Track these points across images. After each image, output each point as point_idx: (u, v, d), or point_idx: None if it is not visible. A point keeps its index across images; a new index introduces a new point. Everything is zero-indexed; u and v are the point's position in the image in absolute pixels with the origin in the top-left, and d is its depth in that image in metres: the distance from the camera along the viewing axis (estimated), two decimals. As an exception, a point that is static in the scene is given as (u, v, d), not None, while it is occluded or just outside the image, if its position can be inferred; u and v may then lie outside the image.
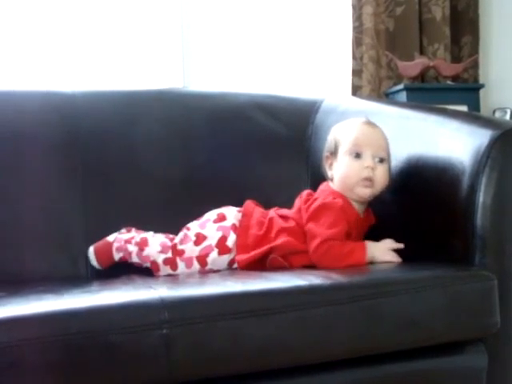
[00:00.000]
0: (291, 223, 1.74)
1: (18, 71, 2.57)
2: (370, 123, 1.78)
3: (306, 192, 1.82)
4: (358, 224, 1.75)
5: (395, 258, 1.67)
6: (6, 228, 1.84)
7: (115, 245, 1.83)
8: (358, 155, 1.72)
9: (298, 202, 1.80)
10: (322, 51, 2.92)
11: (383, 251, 1.68)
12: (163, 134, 2.06)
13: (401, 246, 1.69)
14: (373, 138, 1.74)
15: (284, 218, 1.77)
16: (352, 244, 1.67)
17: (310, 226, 1.70)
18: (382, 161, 1.73)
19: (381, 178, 1.72)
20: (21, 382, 1.19)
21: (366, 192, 1.72)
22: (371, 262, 1.66)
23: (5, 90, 2.06)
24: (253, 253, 1.73)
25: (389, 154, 1.76)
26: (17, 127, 1.92)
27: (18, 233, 1.85)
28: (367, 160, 1.71)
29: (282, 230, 1.74)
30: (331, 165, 1.79)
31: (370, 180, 1.71)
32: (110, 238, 1.85)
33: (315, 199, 1.74)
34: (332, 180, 1.78)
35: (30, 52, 2.59)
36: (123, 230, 1.86)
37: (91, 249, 1.84)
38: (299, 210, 1.76)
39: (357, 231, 1.74)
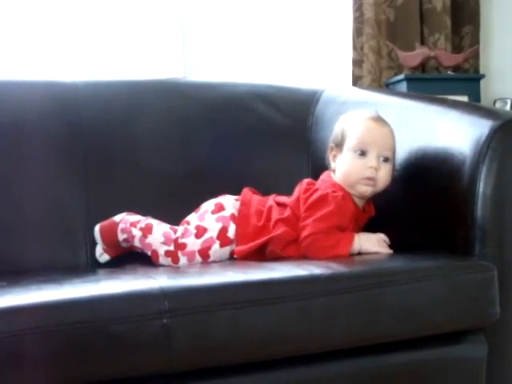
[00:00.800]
0: (288, 212, 1.74)
1: (20, 61, 2.57)
2: (378, 119, 1.75)
3: (306, 181, 1.81)
4: (357, 218, 1.74)
5: (385, 250, 1.68)
6: (6, 217, 1.84)
7: (121, 226, 1.83)
8: (362, 153, 1.71)
9: (297, 190, 1.79)
10: (323, 41, 2.92)
11: (374, 243, 1.68)
12: (163, 123, 2.06)
13: (387, 242, 1.70)
14: (379, 137, 1.72)
15: (281, 205, 1.77)
16: (338, 236, 1.67)
17: (305, 215, 1.70)
18: (386, 160, 1.72)
19: (383, 177, 1.71)
20: (21, 372, 1.20)
21: (366, 190, 1.72)
22: (359, 253, 1.67)
23: (6, 79, 2.05)
24: (251, 244, 1.72)
25: (394, 152, 1.74)
26: (18, 117, 1.92)
27: (18, 222, 1.85)
28: (371, 160, 1.70)
29: (279, 221, 1.73)
30: (335, 156, 1.78)
31: (372, 179, 1.70)
32: (117, 217, 1.85)
33: (315, 190, 1.74)
34: (334, 172, 1.78)
35: (31, 42, 2.58)
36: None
37: (97, 227, 1.85)
38: (298, 199, 1.75)
39: (355, 224, 1.74)
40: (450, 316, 1.50)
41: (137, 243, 1.81)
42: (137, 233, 1.81)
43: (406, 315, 1.44)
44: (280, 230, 1.71)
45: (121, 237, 1.83)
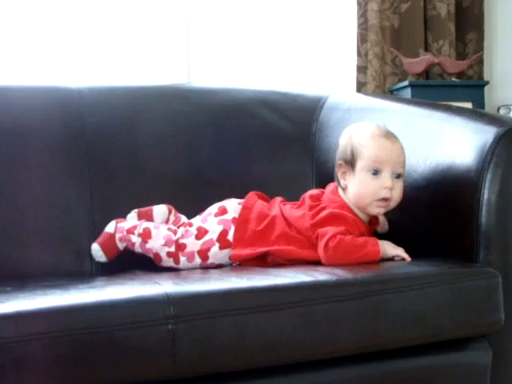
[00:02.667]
0: (293, 231, 1.72)
1: (24, 66, 2.57)
2: (389, 135, 1.71)
3: (310, 194, 1.78)
4: (363, 229, 1.72)
5: (405, 254, 1.65)
6: (11, 222, 1.84)
7: (118, 236, 1.82)
8: (376, 172, 1.68)
9: (301, 203, 1.77)
10: (327, 47, 2.92)
11: (393, 246, 1.66)
12: (168, 129, 2.06)
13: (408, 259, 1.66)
14: (394, 155, 1.68)
15: (287, 219, 1.75)
16: (364, 238, 1.66)
17: (319, 230, 1.67)
18: (399, 176, 1.69)
19: (397, 195, 1.69)
20: (27, 377, 1.20)
21: (379, 212, 1.70)
22: (382, 258, 1.65)
23: (10, 85, 2.06)
24: (248, 252, 1.72)
25: (405, 167, 1.71)
26: (22, 122, 1.92)
27: (22, 227, 1.85)
28: (387, 180, 1.67)
29: (282, 235, 1.72)
30: (344, 173, 1.73)
31: (386, 200, 1.68)
32: (110, 229, 1.83)
33: (322, 208, 1.71)
34: (344, 189, 1.74)
35: (35, 47, 2.59)
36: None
37: (96, 246, 1.82)
38: (303, 216, 1.73)
39: (360, 233, 1.71)
40: (454, 323, 1.49)
41: (138, 249, 1.81)
42: (136, 239, 1.80)
43: (410, 322, 1.44)
44: (281, 246, 1.70)
45: (121, 246, 1.82)
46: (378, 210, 1.70)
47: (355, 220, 1.69)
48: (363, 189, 1.69)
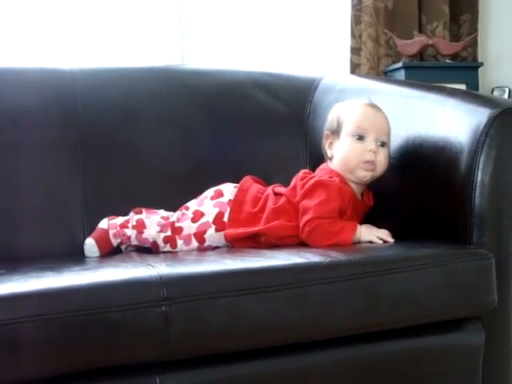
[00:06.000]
0: (282, 200, 1.74)
1: (17, 48, 2.56)
2: (374, 105, 1.77)
3: (302, 171, 1.81)
4: (355, 204, 1.74)
5: (387, 237, 1.66)
6: (4, 205, 1.83)
7: (111, 232, 1.81)
8: (360, 137, 1.72)
9: (294, 180, 1.79)
10: (321, 29, 2.91)
11: (372, 231, 1.67)
12: (161, 111, 2.05)
13: (391, 241, 1.66)
14: (377, 122, 1.74)
15: (278, 195, 1.77)
16: (342, 223, 1.67)
17: (304, 202, 1.70)
18: (383, 145, 1.73)
19: (382, 161, 1.72)
20: (20, 359, 1.20)
21: (366, 175, 1.72)
22: (359, 242, 1.66)
23: (3, 66, 2.05)
24: (242, 230, 1.73)
25: (389, 138, 1.75)
26: (15, 104, 1.91)
27: (16, 210, 1.84)
28: (370, 143, 1.71)
29: (272, 212, 1.73)
30: (331, 144, 1.78)
31: (371, 163, 1.71)
32: (103, 225, 1.83)
33: (312, 177, 1.74)
34: (331, 159, 1.78)
35: (27, 29, 2.57)
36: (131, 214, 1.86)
37: (91, 240, 1.81)
38: (294, 187, 1.75)
39: (353, 211, 1.73)
40: (447, 304, 1.50)
41: (134, 242, 1.81)
42: (131, 232, 1.80)
43: (403, 303, 1.45)
44: (272, 223, 1.71)
45: (114, 242, 1.82)
46: (364, 173, 1.72)
47: (341, 188, 1.70)
48: (348, 152, 1.73)
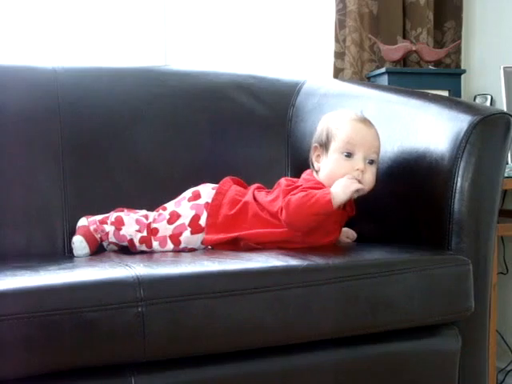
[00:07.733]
0: (266, 215, 1.72)
1: (-1, 46, 2.55)
2: (365, 121, 1.73)
3: (285, 178, 1.79)
4: (337, 214, 1.70)
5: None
6: (-17, 203, 1.83)
7: (91, 227, 1.81)
8: (349, 155, 1.68)
9: (276, 190, 1.76)
10: (305, 33, 2.91)
11: (348, 191, 1.64)
12: (143, 111, 2.05)
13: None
14: (367, 139, 1.69)
15: (259, 204, 1.74)
16: (314, 192, 1.64)
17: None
18: (372, 162, 1.69)
19: (369, 180, 1.68)
20: (-5, 358, 1.19)
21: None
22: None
23: (-16, 64, 2.04)
24: (221, 236, 1.72)
25: (379, 154, 1.72)
26: (-4, 102, 1.90)
27: (-5, 208, 1.84)
28: (359, 162, 1.67)
29: (255, 218, 1.72)
30: (319, 156, 1.75)
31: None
32: (82, 222, 1.83)
33: (296, 187, 1.70)
34: (317, 172, 1.75)
35: (10, 26, 2.56)
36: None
37: (79, 237, 1.80)
38: (277, 197, 1.72)
39: (335, 220, 1.71)
40: (424, 309, 1.51)
41: (112, 238, 1.80)
42: (110, 228, 1.80)
43: (380, 308, 1.45)
44: (253, 230, 1.70)
45: (98, 237, 1.82)
46: None
47: None
48: (335, 169, 1.69)
